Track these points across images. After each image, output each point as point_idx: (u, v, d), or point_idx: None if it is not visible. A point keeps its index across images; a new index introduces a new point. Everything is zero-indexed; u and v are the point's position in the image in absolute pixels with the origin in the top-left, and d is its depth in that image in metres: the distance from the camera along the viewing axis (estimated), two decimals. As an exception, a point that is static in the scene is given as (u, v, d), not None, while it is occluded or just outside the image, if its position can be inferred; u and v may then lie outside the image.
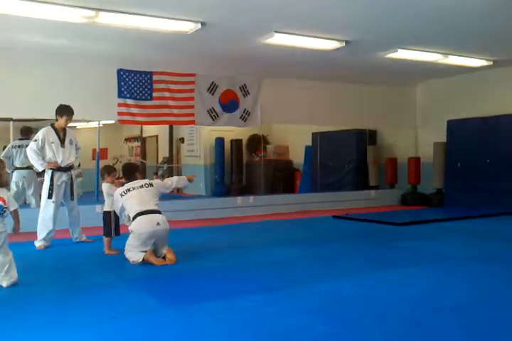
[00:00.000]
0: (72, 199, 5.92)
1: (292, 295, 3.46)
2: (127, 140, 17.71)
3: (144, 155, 16.49)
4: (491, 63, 8.44)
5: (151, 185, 4.97)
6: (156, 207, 4.80)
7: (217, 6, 5.41)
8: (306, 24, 6.15)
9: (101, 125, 9.44)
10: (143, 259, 4.56)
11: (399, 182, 10.75)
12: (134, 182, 4.98)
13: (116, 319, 2.95)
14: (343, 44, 6.91)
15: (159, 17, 5.64)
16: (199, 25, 5.94)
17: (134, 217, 4.69)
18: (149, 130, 15.24)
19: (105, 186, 5.28)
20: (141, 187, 4.90)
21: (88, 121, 11.45)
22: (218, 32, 6.33)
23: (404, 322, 2.84)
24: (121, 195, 4.86)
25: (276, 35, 6.40)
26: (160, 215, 4.73)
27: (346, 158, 11.45)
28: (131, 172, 5.15)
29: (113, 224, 5.19)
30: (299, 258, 4.83)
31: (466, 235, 6.22)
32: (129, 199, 4.81)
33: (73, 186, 5.93)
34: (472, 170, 9.01)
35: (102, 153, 14.89)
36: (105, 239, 5.22)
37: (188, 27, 5.99)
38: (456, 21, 6.16)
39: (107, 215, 5.21)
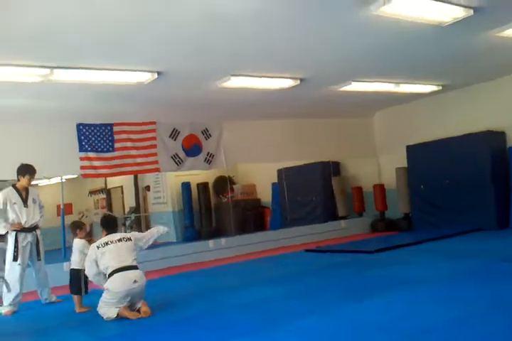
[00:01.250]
0: (39, 259, 5.70)
1: (272, 336, 3.39)
2: (92, 192, 17.38)
3: (109, 206, 16.17)
4: (441, 88, 8.84)
5: (129, 239, 4.79)
6: (133, 263, 4.63)
7: (172, 55, 5.52)
8: (260, 65, 6.33)
9: (63, 180, 9.27)
10: (117, 315, 4.41)
11: (367, 209, 10.88)
12: (112, 235, 4.81)
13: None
14: (298, 82, 7.12)
15: (114, 70, 5.69)
16: (155, 75, 6.01)
17: (111, 274, 4.52)
18: (114, 181, 15.01)
19: (79, 242, 5.13)
20: (120, 241, 4.72)
21: (49, 178, 11.21)
22: (175, 80, 6.42)
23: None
24: (98, 247, 4.65)
25: (232, 78, 6.54)
26: (137, 271, 4.57)
27: (313, 191, 11.54)
28: (111, 225, 4.98)
29: (82, 282, 5.02)
30: (275, 297, 4.75)
31: (436, 256, 6.26)
32: (106, 253, 4.62)
33: (39, 246, 5.72)
34: (434, 191, 9.23)
35: (67, 209, 14.57)
36: (75, 298, 5.05)
37: (145, 77, 6.06)
38: (403, 53, 6.49)
39: (75, 272, 5.06)
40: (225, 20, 4.62)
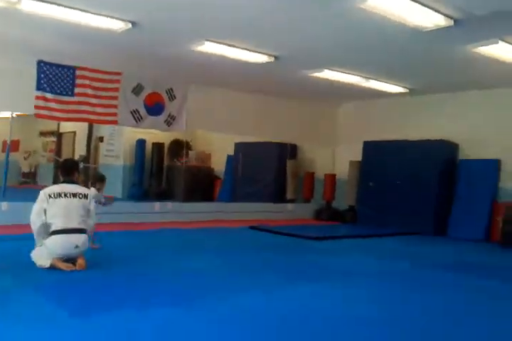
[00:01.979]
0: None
1: (202, 307, 3.43)
2: (42, 134, 16.87)
3: (59, 151, 15.78)
4: (407, 91, 8.99)
5: (85, 196, 4.53)
6: (80, 225, 4.42)
7: (151, 8, 5.33)
8: (238, 35, 6.23)
9: (14, 115, 8.92)
10: (50, 265, 4.30)
11: (315, 196, 11.07)
12: (69, 185, 4.53)
13: (17, 331, 2.76)
14: (273, 59, 7.07)
15: (89, 12, 5.46)
16: (129, 25, 5.82)
17: (53, 232, 4.33)
18: (67, 125, 14.62)
19: (93, 191, 5.12)
20: (74, 196, 4.45)
21: None
22: (148, 33, 6.24)
23: (317, 333, 2.94)
24: (49, 196, 4.37)
25: (206, 43, 6.41)
26: (81, 236, 4.39)
27: (266, 170, 11.62)
28: (70, 170, 4.68)
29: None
30: (212, 268, 4.82)
31: (370, 253, 6.49)
32: (54, 207, 4.35)
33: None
34: (383, 190, 9.47)
35: (13, 146, 14.10)
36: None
37: (118, 26, 5.86)
38: (380, 50, 6.54)
39: None
40: (210, -17, 4.50)
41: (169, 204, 9.21)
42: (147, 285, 4.00)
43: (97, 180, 5.85)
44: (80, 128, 13.67)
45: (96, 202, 4.94)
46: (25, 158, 17.16)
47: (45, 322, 2.96)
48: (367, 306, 3.70)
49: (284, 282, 4.38)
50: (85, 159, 13.29)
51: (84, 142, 13.60)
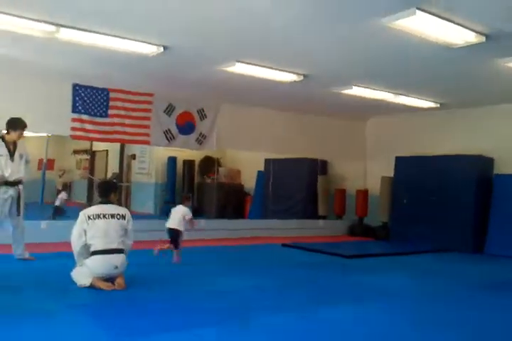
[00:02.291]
0: (18, 214, 5.69)
1: (241, 329, 3.44)
2: (76, 152, 17.30)
3: (92, 169, 16.14)
4: (438, 105, 8.89)
5: (123, 217, 4.63)
6: (119, 246, 4.52)
7: (182, 32, 5.45)
8: (267, 56, 6.29)
9: (50, 135, 9.20)
10: (90, 284, 4.40)
11: (346, 213, 10.98)
12: (107, 206, 4.64)
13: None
14: (301, 78, 7.11)
15: (122, 38, 5.61)
16: (161, 49, 5.96)
17: (93, 253, 4.44)
18: (100, 144, 14.92)
19: (183, 208, 6.20)
20: (113, 217, 4.56)
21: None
22: (180, 57, 6.37)
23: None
24: (89, 218, 4.49)
25: (237, 64, 6.51)
26: (120, 256, 4.49)
27: (297, 186, 11.61)
28: (107, 191, 4.79)
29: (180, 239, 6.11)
30: (247, 289, 4.81)
31: (409, 271, 6.38)
32: (94, 228, 4.47)
33: (20, 201, 5.69)
34: (416, 206, 9.32)
35: (49, 164, 14.49)
36: (176, 251, 6.14)
37: (151, 50, 6.00)
38: (409, 67, 6.52)
39: (177, 232, 6.10)
40: (244, 7, 4.57)
41: (202, 222, 9.27)
42: (186, 305, 4.03)
43: (185, 198, 6.80)
44: (113, 147, 13.97)
45: (185, 218, 6.08)
46: (59, 176, 17.60)
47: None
48: (403, 328, 3.63)
49: (320, 302, 4.35)
50: (118, 177, 13.58)
51: (117, 160, 13.90)
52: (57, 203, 11.64)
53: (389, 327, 3.68)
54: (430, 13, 4.41)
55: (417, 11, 4.32)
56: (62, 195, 11.77)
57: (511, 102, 8.48)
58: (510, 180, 8.45)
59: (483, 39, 5.00)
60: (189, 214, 6.19)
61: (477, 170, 8.68)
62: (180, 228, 6.14)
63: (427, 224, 9.05)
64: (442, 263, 7.36)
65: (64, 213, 11.27)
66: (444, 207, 8.86)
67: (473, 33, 4.89)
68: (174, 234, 6.14)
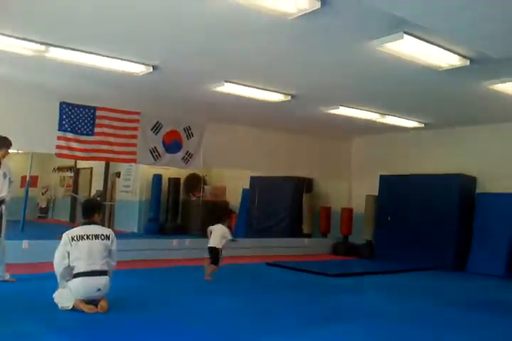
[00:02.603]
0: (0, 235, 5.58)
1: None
2: (60, 169, 17.14)
3: (76, 187, 15.97)
4: (423, 125, 9.05)
5: (107, 237, 4.56)
6: (102, 267, 4.45)
7: (172, 53, 5.51)
8: (256, 77, 6.37)
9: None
10: (73, 306, 4.32)
11: (331, 231, 11.00)
12: (91, 227, 4.57)
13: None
14: (289, 98, 7.19)
15: (111, 57, 5.63)
16: (150, 69, 5.99)
17: (75, 275, 4.37)
18: (84, 161, 14.83)
19: (223, 228, 6.46)
20: (97, 237, 4.48)
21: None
22: (169, 76, 6.41)
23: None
24: (72, 239, 4.41)
25: (226, 84, 6.56)
26: (104, 278, 4.41)
27: (282, 204, 11.63)
28: (91, 211, 4.70)
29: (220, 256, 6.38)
30: (231, 311, 4.76)
31: (393, 291, 6.40)
32: (77, 250, 4.38)
33: (2, 221, 5.59)
34: (400, 224, 9.40)
35: (32, 181, 14.32)
36: (212, 267, 6.39)
37: (139, 69, 6.03)
38: (395, 88, 6.65)
39: (216, 250, 6.38)
40: (233, 29, 4.64)
41: (187, 241, 9.21)
42: (169, 329, 3.97)
43: (226, 216, 6.91)
44: (97, 164, 13.86)
45: (224, 238, 6.38)
46: (42, 194, 17.38)
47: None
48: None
49: (306, 324, 4.32)
50: (102, 195, 13.44)
51: (101, 177, 13.77)
52: None
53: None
54: (417, 37, 4.52)
55: (405, 35, 4.43)
56: None
57: (494, 123, 8.68)
58: (492, 199, 8.59)
59: (467, 62, 5.13)
60: (228, 235, 6.53)
61: (460, 189, 8.81)
62: (220, 246, 6.42)
63: (411, 242, 9.11)
64: (425, 281, 7.40)
65: None
66: (427, 226, 8.95)
67: (458, 57, 5.02)
68: (214, 253, 6.41)
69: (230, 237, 6.55)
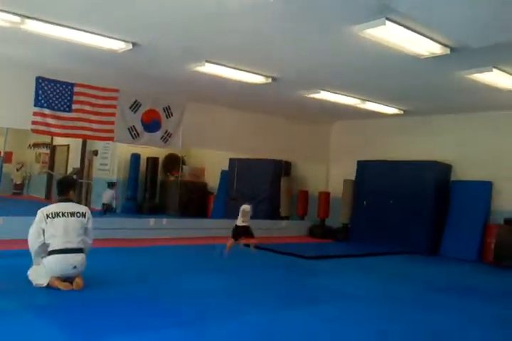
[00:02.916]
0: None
1: (203, 331, 3.44)
2: (35, 146, 16.84)
3: (52, 164, 15.75)
4: (402, 112, 9.12)
5: (83, 215, 4.54)
6: (78, 245, 4.43)
7: (152, 29, 5.39)
8: (237, 58, 6.31)
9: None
10: (48, 284, 4.30)
11: (309, 214, 11.12)
12: (66, 204, 4.53)
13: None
14: (270, 80, 7.15)
15: (91, 33, 5.51)
16: (130, 46, 5.88)
17: (51, 252, 4.33)
18: (60, 138, 14.57)
19: (247, 207, 7.11)
20: (72, 215, 4.46)
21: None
22: (149, 54, 6.30)
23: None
24: (47, 217, 4.40)
25: (207, 64, 6.49)
26: (80, 255, 4.40)
27: (261, 187, 11.66)
28: (66, 189, 4.66)
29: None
30: (209, 290, 4.82)
31: (368, 273, 6.55)
32: (53, 227, 4.36)
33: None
34: (377, 208, 9.55)
35: (7, 157, 14.08)
36: (232, 241, 7.06)
37: (119, 46, 5.91)
38: (376, 74, 6.67)
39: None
40: (214, 9, 4.56)
41: (164, 220, 9.20)
42: (144, 307, 4.00)
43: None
44: (74, 141, 13.63)
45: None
46: (17, 170, 17.10)
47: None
48: (359, 328, 3.73)
49: (283, 305, 4.41)
50: (78, 172, 13.28)
51: (78, 155, 13.58)
52: (104, 200, 11.71)
53: (346, 328, 3.78)
54: (399, 23, 4.52)
55: (387, 21, 4.43)
56: (108, 193, 11.77)
57: (471, 112, 8.80)
58: (467, 187, 8.78)
59: (447, 51, 5.16)
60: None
61: (435, 176, 8.97)
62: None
63: (386, 226, 9.28)
64: (398, 265, 7.58)
65: (113, 210, 11.62)
66: (402, 211, 9.11)
67: (439, 45, 5.05)
68: (247, 230, 7.14)
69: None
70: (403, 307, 4.62)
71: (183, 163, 13.49)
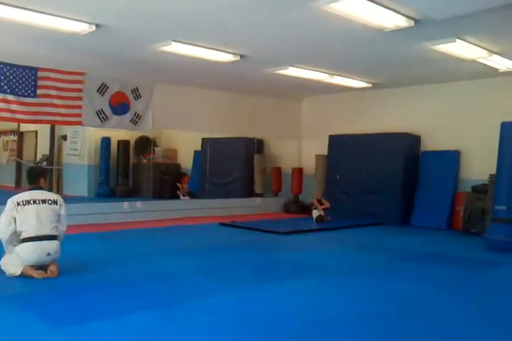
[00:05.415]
0: None
1: (182, 311, 3.49)
2: (2, 133, 16.42)
3: (20, 151, 15.42)
4: (370, 85, 9.20)
5: (55, 202, 4.48)
6: (52, 232, 4.38)
7: (115, 10, 5.29)
8: (203, 36, 6.25)
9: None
10: (21, 272, 4.27)
11: (283, 190, 11.23)
12: (37, 192, 4.48)
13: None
14: (238, 58, 7.12)
15: (52, 15, 5.36)
16: (93, 27, 5.76)
17: (23, 240, 4.28)
18: (28, 124, 14.22)
19: None
20: (44, 202, 4.40)
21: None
22: (113, 35, 6.19)
23: (291, 337, 3.04)
24: (18, 204, 4.33)
25: (173, 43, 6.41)
26: (54, 243, 4.36)
27: (234, 165, 11.70)
28: (36, 177, 4.61)
29: None
30: (186, 270, 4.86)
31: (343, 246, 6.71)
32: (24, 214, 4.30)
33: None
34: (349, 182, 9.70)
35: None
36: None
37: (82, 28, 5.79)
38: (342, 49, 6.71)
39: None
40: (176, -13, 4.50)
41: (138, 203, 9.17)
42: (121, 291, 4.02)
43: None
44: (42, 127, 13.35)
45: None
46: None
47: (19, 334, 2.97)
48: (340, 304, 3.84)
49: (259, 281, 4.47)
50: (48, 159, 13.04)
51: (47, 141, 13.30)
52: None
53: (324, 301, 3.89)
54: (363, -3, 4.54)
55: (350, -5, 4.44)
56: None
57: (437, 83, 8.94)
58: (435, 157, 8.98)
59: (412, 23, 5.22)
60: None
61: (405, 148, 9.14)
62: None
63: (359, 199, 9.45)
64: (371, 236, 7.74)
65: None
66: (374, 183, 9.28)
67: (403, 17, 5.09)
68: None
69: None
70: (374, 277, 4.75)
71: (155, 145, 13.37)
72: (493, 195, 6.75)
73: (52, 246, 4.36)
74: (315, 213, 9.11)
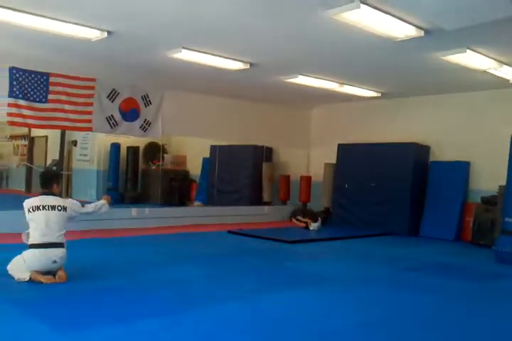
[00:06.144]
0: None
1: (188, 319, 3.48)
2: (13, 138, 16.58)
3: (30, 155, 15.54)
4: (380, 95, 9.20)
5: (64, 209, 4.48)
6: (59, 240, 4.39)
7: (127, 17, 5.34)
8: (214, 44, 6.29)
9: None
10: (30, 278, 4.28)
11: (291, 198, 11.20)
12: (48, 197, 4.51)
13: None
14: (248, 66, 7.15)
15: (65, 22, 5.43)
16: (105, 34, 5.81)
17: (31, 246, 4.32)
18: (39, 129, 14.37)
19: None
20: (53, 208, 4.42)
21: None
22: (125, 42, 6.24)
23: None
24: (29, 211, 4.39)
25: (183, 51, 6.45)
26: (60, 250, 4.37)
27: (242, 173, 11.70)
28: (48, 182, 4.64)
29: None
30: (194, 278, 4.86)
31: (350, 256, 6.67)
32: (33, 220, 4.36)
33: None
34: (357, 191, 9.66)
35: (-17, 150, 13.82)
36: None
37: (94, 34, 5.85)
38: (353, 58, 6.72)
39: None
40: (187, -5, 4.54)
41: (146, 210, 9.19)
42: (128, 297, 4.02)
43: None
44: (53, 132, 13.47)
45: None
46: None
47: (25, 338, 2.98)
48: (344, 314, 3.81)
49: (265, 290, 4.45)
50: (58, 164, 13.13)
51: (57, 146, 13.40)
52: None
53: (329, 311, 3.86)
54: (373, 7, 4.55)
55: (361, 5, 4.45)
56: None
57: (447, 93, 8.91)
58: (444, 167, 8.93)
59: (422, 33, 5.22)
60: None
61: (414, 157, 9.09)
62: None
63: (367, 209, 9.41)
64: (379, 246, 7.68)
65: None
66: (383, 193, 9.24)
67: (413, 27, 5.10)
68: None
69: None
70: (380, 288, 4.71)
71: (164, 152, 13.42)
72: (502, 206, 6.69)
73: (58, 253, 4.36)
74: (312, 226, 9.32)
